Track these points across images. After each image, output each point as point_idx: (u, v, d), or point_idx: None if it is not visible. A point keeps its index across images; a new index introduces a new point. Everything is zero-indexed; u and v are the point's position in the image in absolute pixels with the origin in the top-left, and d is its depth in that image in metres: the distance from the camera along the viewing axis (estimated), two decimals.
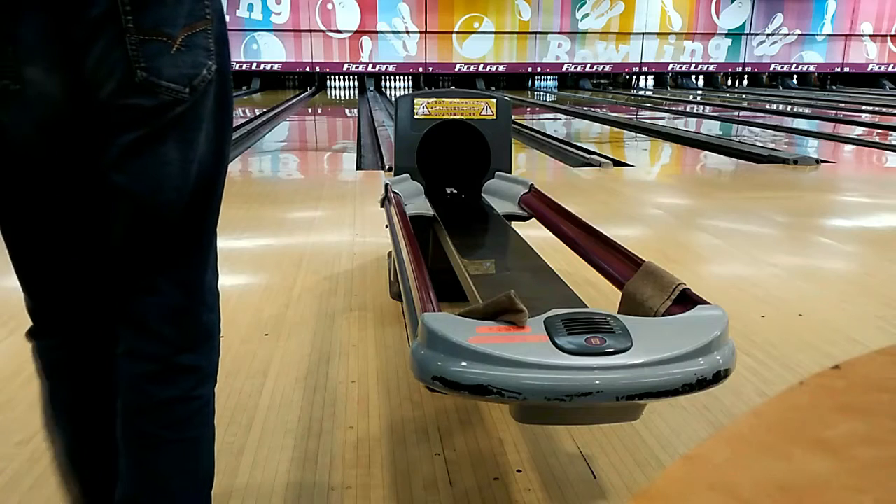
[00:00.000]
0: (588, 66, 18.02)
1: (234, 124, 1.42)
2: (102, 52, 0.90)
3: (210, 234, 1.09)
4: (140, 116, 0.94)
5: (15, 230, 1.03)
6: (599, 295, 2.31)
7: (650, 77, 18.63)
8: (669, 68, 18.40)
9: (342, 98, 15.45)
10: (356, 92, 16.51)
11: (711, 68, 18.56)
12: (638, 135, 8.61)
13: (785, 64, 18.76)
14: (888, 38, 18.82)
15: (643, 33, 17.91)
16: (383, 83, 17.17)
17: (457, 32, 17.25)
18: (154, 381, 1.03)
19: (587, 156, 6.15)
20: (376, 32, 16.93)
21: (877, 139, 7.89)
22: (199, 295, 1.07)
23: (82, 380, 1.11)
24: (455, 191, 2.68)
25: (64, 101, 0.94)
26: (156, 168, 0.97)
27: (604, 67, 18.12)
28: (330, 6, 16.61)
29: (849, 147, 7.48)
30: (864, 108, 11.93)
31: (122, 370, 1.04)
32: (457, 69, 17.42)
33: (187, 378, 1.05)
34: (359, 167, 5.92)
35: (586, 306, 1.37)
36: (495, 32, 17.38)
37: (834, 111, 11.18)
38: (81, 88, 0.93)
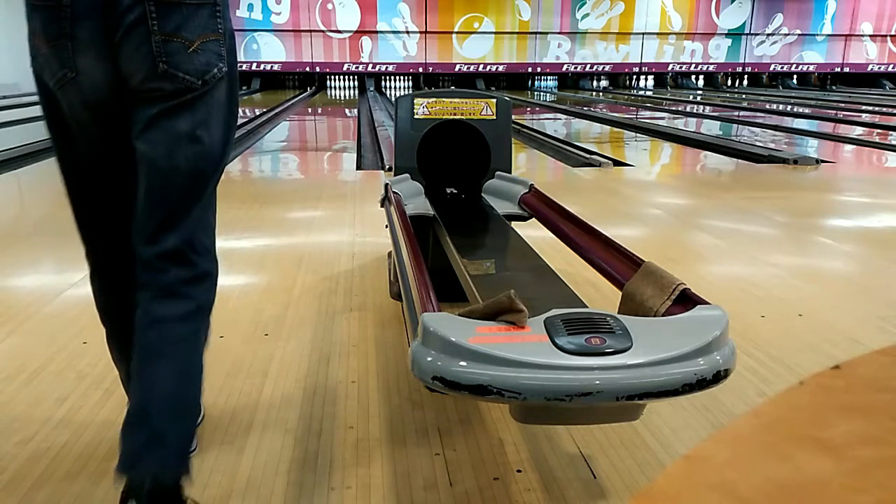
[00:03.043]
0: (588, 66, 18.02)
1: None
2: (134, 48, 1.19)
3: (206, 202, 1.34)
4: (161, 96, 1.23)
5: (77, 186, 1.36)
6: (599, 295, 2.31)
7: (650, 77, 18.63)
8: (669, 68, 18.40)
9: (342, 98, 15.45)
10: (356, 92, 16.51)
11: (711, 68, 18.56)
12: (638, 135, 8.61)
13: (785, 64, 18.75)
14: (888, 38, 18.82)
15: (643, 33, 17.91)
16: (383, 83, 17.17)
17: (457, 32, 17.25)
18: (156, 301, 1.29)
19: (587, 156, 6.15)
20: (376, 32, 16.93)
21: (877, 139, 7.89)
22: (192, 245, 1.32)
23: (125, 315, 1.36)
24: (455, 191, 2.68)
25: (105, 86, 1.22)
26: (170, 139, 1.24)
27: (604, 67, 18.12)
28: (330, 6, 16.61)
29: (849, 147, 7.48)
30: (864, 108, 11.93)
31: (138, 303, 1.30)
32: (457, 69, 17.42)
33: (183, 302, 1.30)
34: (359, 167, 5.92)
35: (586, 306, 1.37)
36: (495, 32, 17.39)
37: (834, 111, 11.18)
38: (119, 77, 1.22)
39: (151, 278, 1.29)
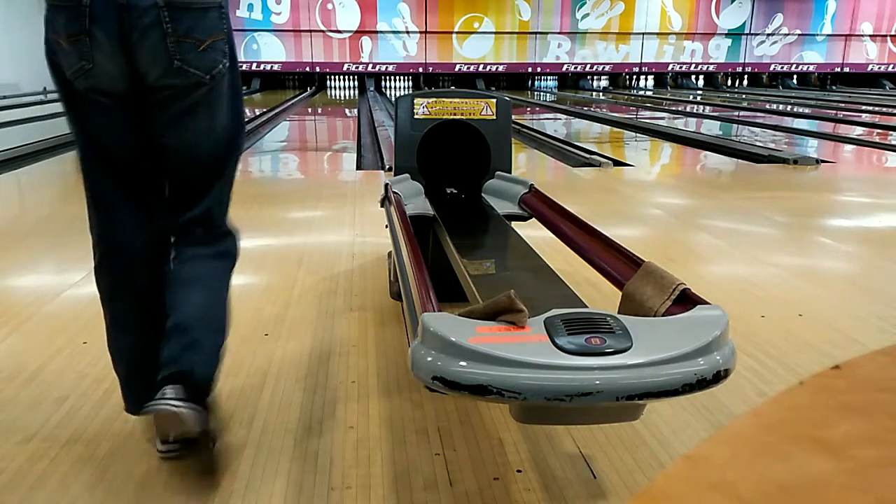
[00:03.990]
0: (588, 66, 18.01)
1: None
2: (150, 48, 1.36)
3: (225, 182, 1.59)
4: (176, 93, 1.41)
5: (94, 166, 1.48)
6: (599, 295, 2.31)
7: (650, 77, 18.62)
8: (669, 68, 18.39)
9: (342, 98, 15.45)
10: (356, 92, 16.50)
11: (711, 68, 18.55)
12: (638, 135, 8.61)
13: (785, 64, 18.75)
14: (888, 38, 18.81)
15: (643, 33, 17.90)
16: (383, 83, 17.16)
17: (457, 32, 17.24)
18: (189, 246, 1.55)
19: (587, 156, 6.15)
20: (376, 32, 16.93)
21: (877, 139, 7.89)
22: (210, 214, 1.57)
23: (133, 298, 1.56)
24: (455, 191, 2.68)
25: (119, 78, 1.38)
26: (193, 132, 1.47)
27: (604, 67, 18.11)
28: (330, 6, 16.60)
29: (849, 147, 7.48)
30: (864, 108, 11.93)
31: (175, 252, 1.55)
32: (457, 69, 17.41)
33: (212, 246, 1.57)
34: (359, 167, 5.92)
35: (586, 306, 1.37)
36: (495, 32, 17.38)
37: (834, 111, 11.18)
38: (132, 72, 1.38)
39: (181, 236, 1.54)
